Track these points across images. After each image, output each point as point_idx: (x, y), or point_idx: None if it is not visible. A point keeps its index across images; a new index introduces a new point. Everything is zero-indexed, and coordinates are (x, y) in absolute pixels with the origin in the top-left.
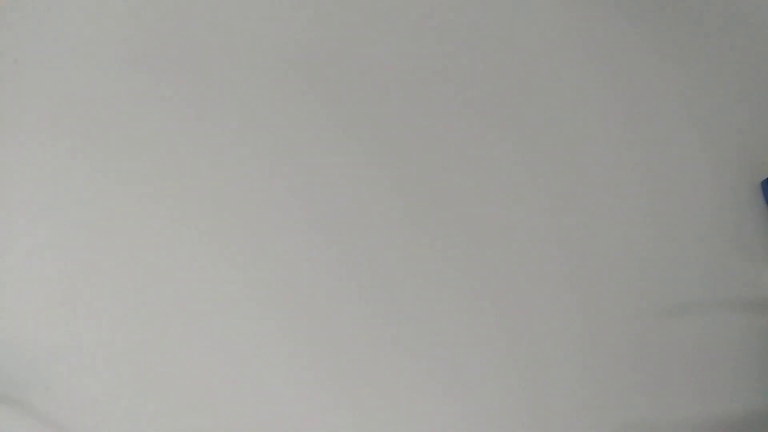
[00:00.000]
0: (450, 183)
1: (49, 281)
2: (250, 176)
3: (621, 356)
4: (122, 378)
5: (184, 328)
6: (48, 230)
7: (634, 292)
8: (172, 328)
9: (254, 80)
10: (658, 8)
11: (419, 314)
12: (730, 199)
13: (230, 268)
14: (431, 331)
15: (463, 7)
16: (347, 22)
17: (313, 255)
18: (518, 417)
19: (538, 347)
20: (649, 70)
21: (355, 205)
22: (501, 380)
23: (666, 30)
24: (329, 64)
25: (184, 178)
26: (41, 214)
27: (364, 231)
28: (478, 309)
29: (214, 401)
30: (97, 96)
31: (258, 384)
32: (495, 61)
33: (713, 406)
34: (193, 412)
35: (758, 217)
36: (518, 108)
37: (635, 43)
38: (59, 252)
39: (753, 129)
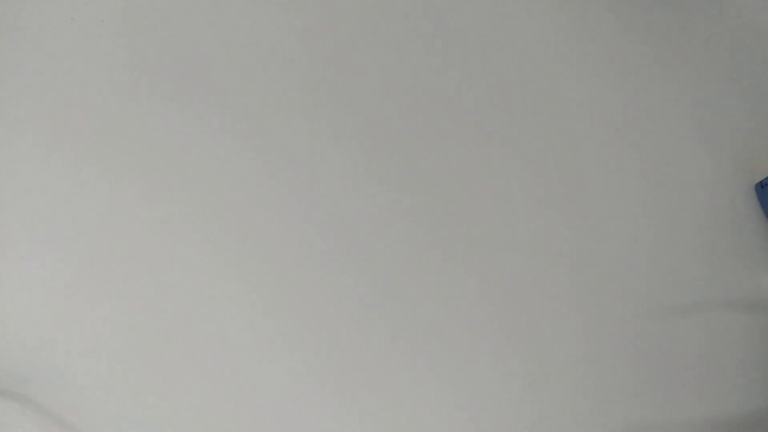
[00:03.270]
0: (450, 184)
1: (50, 277)
2: (249, 177)
3: (621, 358)
4: (122, 372)
5: (184, 325)
6: (48, 226)
7: (632, 294)
8: (172, 325)
9: (253, 84)
10: (655, 13)
11: (419, 314)
12: (727, 202)
13: (230, 268)
14: (431, 332)
15: (462, 12)
16: (345, 26)
17: (314, 255)
18: (520, 417)
19: (538, 350)
20: (645, 75)
21: (356, 206)
22: (502, 381)
23: (662, 36)
24: (328, 67)
25: (184, 179)
26: (41, 211)
27: (366, 233)
28: (478, 309)
29: (214, 398)
30: (96, 98)
31: (258, 383)
32: (495, 66)
33: (714, 406)
34: (192, 407)
35: (754, 220)
36: (517, 113)
37: (632, 50)
38: (60, 248)
39: (749, 133)
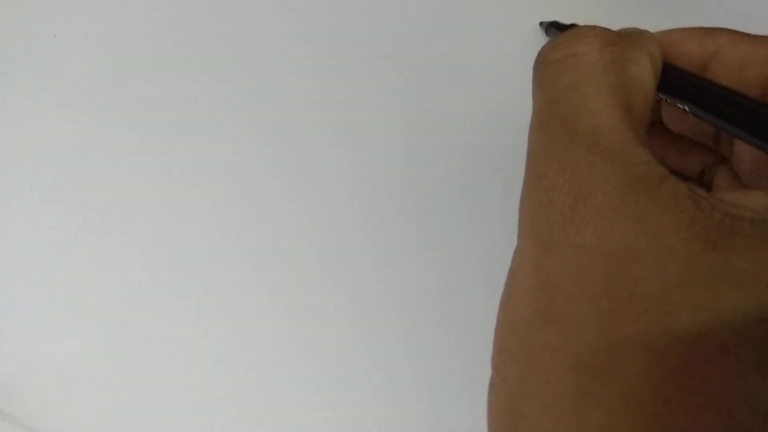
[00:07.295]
0: (446, 186)
1: (49, 278)
2: (248, 178)
3: None
4: (122, 375)
5: (184, 329)
6: (46, 228)
7: None
8: (173, 328)
9: (249, 101)
10: (655, 15)
11: (411, 315)
12: None
13: (230, 268)
14: (424, 334)
15: (461, 15)
16: (343, 31)
17: (314, 256)
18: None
19: None
20: None
21: (351, 211)
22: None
23: None
24: (332, 76)
25: (179, 187)
26: (34, 219)
27: (362, 236)
28: (473, 309)
29: (213, 401)
30: (79, 116)
31: (256, 385)
32: (495, 69)
33: None
34: (191, 411)
35: None
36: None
37: None
38: (57, 251)
39: None
